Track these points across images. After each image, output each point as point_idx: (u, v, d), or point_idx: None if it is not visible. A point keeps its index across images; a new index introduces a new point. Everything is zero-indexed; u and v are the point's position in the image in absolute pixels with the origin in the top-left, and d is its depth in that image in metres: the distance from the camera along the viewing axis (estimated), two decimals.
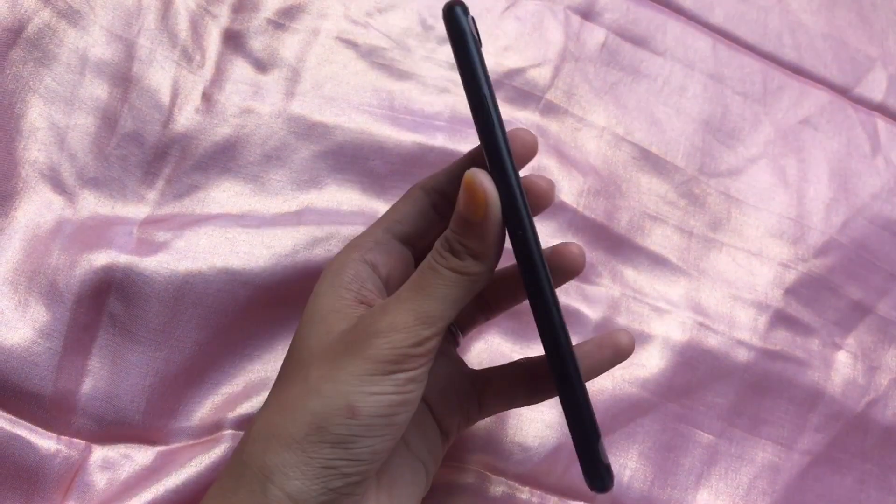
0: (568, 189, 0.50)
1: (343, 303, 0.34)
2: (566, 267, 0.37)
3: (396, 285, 0.35)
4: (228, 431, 0.42)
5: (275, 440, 0.31)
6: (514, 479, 0.46)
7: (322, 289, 0.34)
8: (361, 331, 0.32)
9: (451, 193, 0.35)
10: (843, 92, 0.61)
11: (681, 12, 0.59)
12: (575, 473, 0.47)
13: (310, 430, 0.30)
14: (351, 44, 0.50)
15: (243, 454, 0.32)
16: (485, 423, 0.46)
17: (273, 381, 0.35)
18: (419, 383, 0.32)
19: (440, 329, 0.32)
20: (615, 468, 0.48)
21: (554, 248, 0.37)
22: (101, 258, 0.42)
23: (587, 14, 0.56)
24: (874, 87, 0.61)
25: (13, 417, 0.40)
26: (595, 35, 0.55)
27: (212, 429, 0.43)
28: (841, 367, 0.53)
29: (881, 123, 0.60)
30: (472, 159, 0.35)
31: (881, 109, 0.61)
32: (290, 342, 0.35)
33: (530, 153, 0.35)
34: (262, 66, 0.48)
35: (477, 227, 0.31)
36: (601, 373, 0.38)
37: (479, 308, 0.41)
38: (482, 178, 0.31)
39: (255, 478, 0.31)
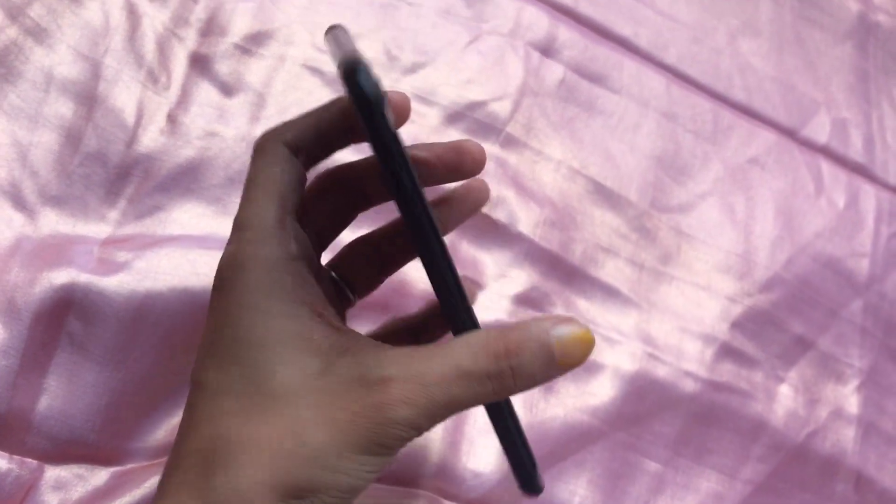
0: (525, 219, 0.51)
1: (301, 323, 0.29)
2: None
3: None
4: None
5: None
6: None
7: (261, 302, 0.29)
8: (371, 402, 0.28)
9: (319, 151, 0.34)
10: (789, 133, 0.63)
11: (636, 52, 0.60)
12: (527, 500, 0.47)
13: (287, 490, 0.27)
14: (317, 71, 0.51)
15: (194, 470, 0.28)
16: (438, 448, 0.46)
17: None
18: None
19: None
20: (565, 495, 0.49)
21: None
22: (60, 276, 0.41)
23: (546, 51, 0.57)
24: (819, 130, 0.64)
25: None
26: (554, 71, 0.57)
27: (168, 450, 0.42)
28: (783, 400, 0.55)
29: (825, 165, 0.63)
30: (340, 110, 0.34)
31: (825, 152, 0.63)
32: None
33: (404, 116, 0.35)
34: (227, 90, 0.49)
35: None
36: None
37: (379, 266, 0.39)
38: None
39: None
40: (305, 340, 0.29)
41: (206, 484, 0.27)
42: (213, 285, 0.31)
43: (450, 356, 0.28)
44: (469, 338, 0.29)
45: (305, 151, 0.33)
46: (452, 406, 0.28)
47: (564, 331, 0.29)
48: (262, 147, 0.33)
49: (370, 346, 0.30)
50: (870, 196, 0.63)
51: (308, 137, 0.33)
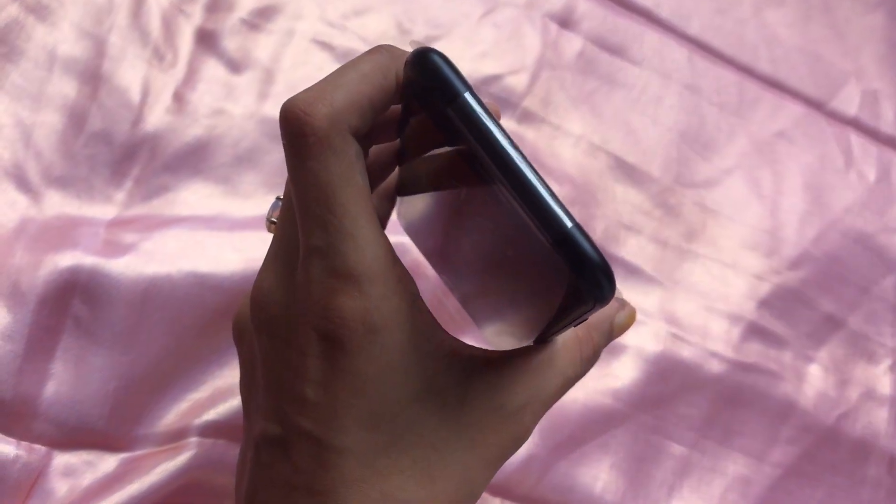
0: None
1: (433, 373, 0.27)
2: None
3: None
4: (194, 439, 0.41)
5: None
6: (486, 490, 0.45)
7: (404, 365, 0.27)
8: (512, 433, 0.29)
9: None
10: (817, 106, 0.61)
11: (658, 22, 0.59)
12: (547, 484, 0.46)
13: None
14: (326, 46, 0.49)
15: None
16: None
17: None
18: None
19: None
20: (587, 479, 0.48)
21: None
22: (66, 259, 0.41)
23: (565, 22, 0.55)
24: (848, 102, 0.62)
25: None
26: (572, 43, 0.55)
27: (177, 436, 0.42)
28: (813, 380, 0.54)
29: (854, 138, 0.61)
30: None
31: (855, 124, 0.61)
32: None
33: None
34: (235, 66, 0.47)
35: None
36: None
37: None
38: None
39: None
40: (439, 390, 0.27)
41: None
42: (340, 336, 0.26)
43: (558, 368, 0.30)
44: (567, 344, 0.30)
45: (368, 138, 0.27)
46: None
47: (621, 317, 0.33)
48: (328, 139, 0.25)
49: (489, 363, 0.29)
50: None
51: (368, 118, 0.26)
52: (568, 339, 0.30)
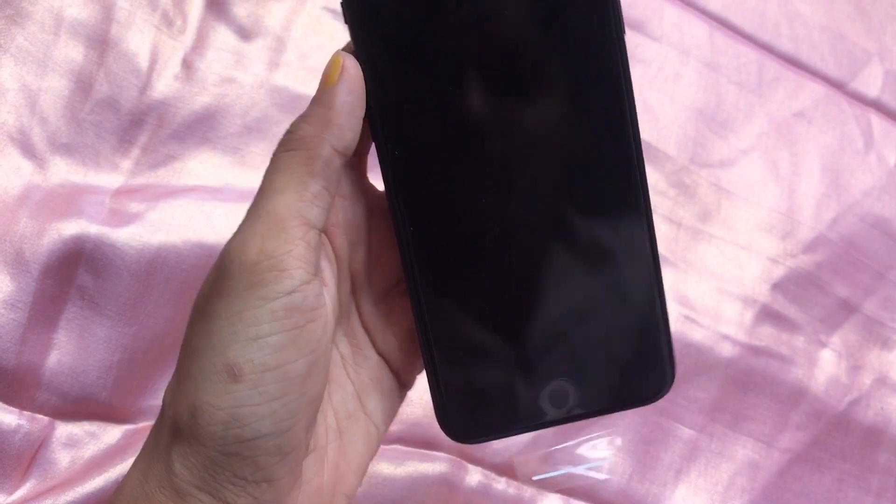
0: None
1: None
2: None
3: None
4: None
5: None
6: (491, 469, 0.45)
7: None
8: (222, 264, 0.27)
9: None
10: (838, 86, 0.60)
11: None
12: (553, 465, 0.46)
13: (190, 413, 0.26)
14: (338, 14, 0.48)
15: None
16: None
17: None
18: (306, 314, 0.27)
19: (304, 232, 0.27)
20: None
21: None
22: (70, 227, 0.40)
23: None
24: (870, 83, 0.60)
25: None
26: None
27: None
28: (825, 366, 0.53)
29: (875, 119, 0.60)
30: None
31: (876, 105, 0.60)
32: None
33: None
34: (245, 33, 0.47)
35: (325, 93, 0.28)
36: None
37: None
38: (342, 55, 0.28)
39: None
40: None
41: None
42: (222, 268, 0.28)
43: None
44: None
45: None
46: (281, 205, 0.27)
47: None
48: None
49: None
50: None
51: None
52: None
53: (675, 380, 0.48)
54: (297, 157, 0.27)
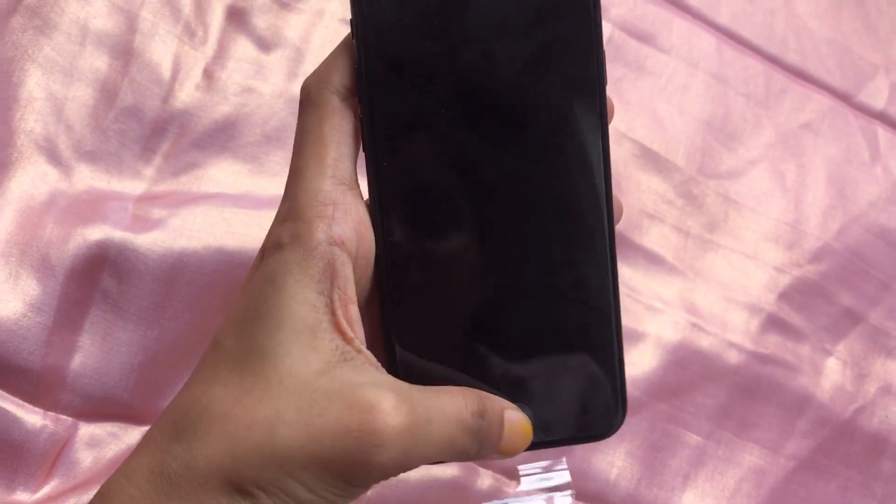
0: None
1: (316, 317, 0.28)
2: None
3: (363, 256, 0.30)
4: None
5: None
6: (502, 473, 0.46)
7: (289, 283, 0.28)
8: (356, 425, 0.26)
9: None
10: (844, 98, 0.61)
11: (687, 10, 0.58)
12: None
13: (239, 480, 0.26)
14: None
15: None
16: None
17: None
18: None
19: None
20: (602, 466, 0.48)
21: None
22: (95, 233, 0.41)
23: None
24: (876, 95, 0.61)
25: (0, 391, 0.40)
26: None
27: None
28: (830, 374, 0.54)
29: (881, 132, 0.60)
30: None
31: (882, 118, 0.61)
32: None
33: None
34: (265, 45, 0.48)
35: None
36: None
37: None
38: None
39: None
40: (313, 335, 0.27)
41: (168, 447, 0.26)
42: (259, 254, 0.30)
43: (451, 401, 0.28)
44: (453, 390, 0.29)
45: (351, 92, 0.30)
46: (442, 453, 0.28)
47: (513, 416, 0.30)
48: (308, 98, 0.30)
49: (375, 365, 0.29)
50: None
51: (346, 75, 0.30)
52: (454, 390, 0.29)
53: (683, 385, 0.50)
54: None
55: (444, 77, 0.29)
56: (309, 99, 0.30)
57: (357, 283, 0.29)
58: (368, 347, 0.29)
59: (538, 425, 0.31)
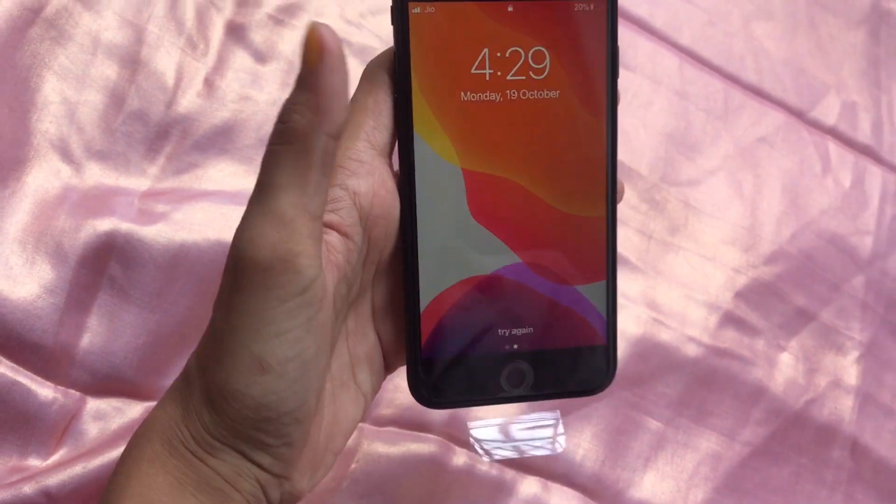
0: None
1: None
2: None
3: (380, 216, 0.31)
4: None
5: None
6: (475, 454, 0.49)
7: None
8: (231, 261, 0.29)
9: None
10: (798, 114, 0.64)
11: (652, 32, 0.62)
12: (504, 436, 0.50)
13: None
14: (344, 42, 0.53)
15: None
16: None
17: None
18: (316, 305, 0.29)
19: (310, 229, 0.28)
20: (569, 447, 0.51)
21: None
22: (104, 224, 0.45)
23: None
24: (828, 112, 0.65)
25: (16, 366, 0.43)
26: None
27: None
28: (783, 368, 0.57)
29: (832, 146, 0.64)
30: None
31: (833, 133, 0.64)
32: None
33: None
34: (261, 57, 0.51)
35: (310, 74, 0.27)
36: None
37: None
38: (319, 27, 0.27)
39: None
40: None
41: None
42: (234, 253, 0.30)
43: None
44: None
45: None
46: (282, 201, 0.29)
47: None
48: (365, 74, 0.32)
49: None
50: (876, 177, 0.64)
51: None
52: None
53: (645, 375, 0.53)
54: (294, 151, 0.27)
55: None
56: (365, 74, 0.32)
57: (372, 245, 0.32)
58: (388, 314, 0.33)
59: (537, 380, 0.35)
